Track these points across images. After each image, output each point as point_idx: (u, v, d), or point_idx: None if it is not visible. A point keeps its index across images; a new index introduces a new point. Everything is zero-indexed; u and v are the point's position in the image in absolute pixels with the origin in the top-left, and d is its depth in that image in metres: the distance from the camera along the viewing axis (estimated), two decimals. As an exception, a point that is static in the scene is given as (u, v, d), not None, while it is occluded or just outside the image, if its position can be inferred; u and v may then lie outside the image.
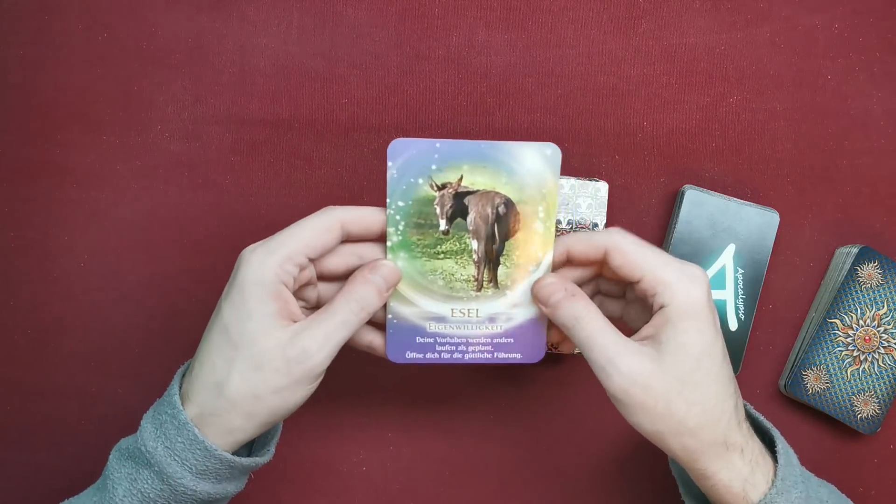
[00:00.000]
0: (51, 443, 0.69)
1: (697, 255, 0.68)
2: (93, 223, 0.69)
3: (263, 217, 0.70)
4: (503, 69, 0.70)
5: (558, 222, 0.67)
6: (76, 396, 0.69)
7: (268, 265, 0.50)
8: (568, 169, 0.71)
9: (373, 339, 0.56)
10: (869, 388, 0.68)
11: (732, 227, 0.68)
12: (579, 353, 0.67)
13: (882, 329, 0.68)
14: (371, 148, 0.70)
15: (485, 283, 0.55)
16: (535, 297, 0.55)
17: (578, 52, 0.71)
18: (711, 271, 0.68)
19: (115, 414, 0.69)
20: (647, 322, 0.52)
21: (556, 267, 0.55)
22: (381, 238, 0.54)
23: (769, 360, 0.71)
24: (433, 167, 0.53)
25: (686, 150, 0.71)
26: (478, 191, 0.53)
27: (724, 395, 0.51)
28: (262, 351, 0.50)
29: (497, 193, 0.54)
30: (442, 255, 0.54)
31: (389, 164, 0.53)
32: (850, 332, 0.68)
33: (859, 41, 0.71)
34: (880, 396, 0.68)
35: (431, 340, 0.56)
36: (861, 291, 0.68)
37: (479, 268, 0.55)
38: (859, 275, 0.68)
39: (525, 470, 0.70)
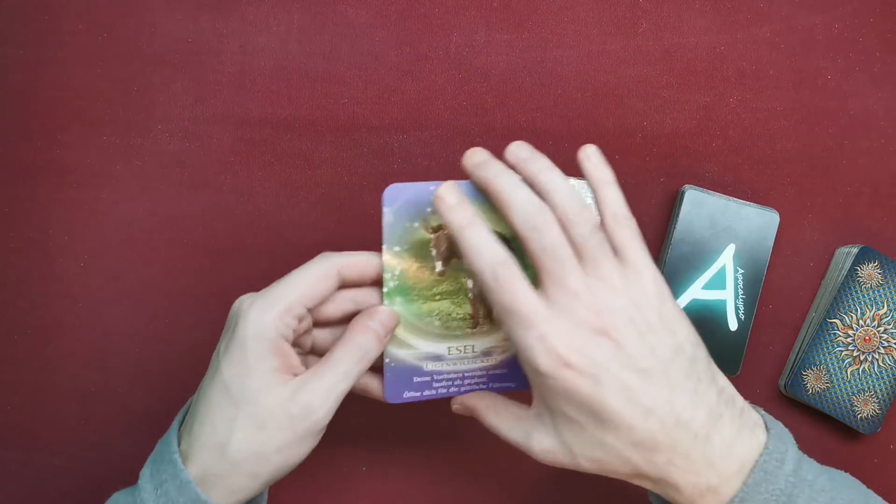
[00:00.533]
0: (51, 443, 0.69)
1: (697, 255, 0.68)
2: (93, 223, 0.69)
3: (263, 217, 0.70)
4: (503, 69, 0.70)
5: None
6: (76, 396, 0.69)
7: (267, 320, 0.49)
8: (568, 169, 0.71)
9: (367, 382, 0.55)
10: (869, 388, 0.68)
11: (732, 227, 0.68)
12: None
13: (882, 329, 0.68)
14: (371, 148, 0.70)
15: (480, 319, 0.55)
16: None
17: (578, 52, 0.71)
18: (711, 271, 0.68)
19: (115, 414, 0.69)
20: None
21: None
22: (376, 283, 0.54)
23: (769, 360, 0.71)
24: (428, 210, 0.53)
25: (686, 150, 0.71)
26: None
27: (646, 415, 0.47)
28: (265, 408, 0.48)
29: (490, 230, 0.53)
30: (438, 297, 0.54)
31: (385, 209, 0.52)
32: (850, 332, 0.68)
33: (859, 41, 0.71)
34: (880, 396, 0.68)
35: (428, 379, 0.55)
36: (861, 291, 0.68)
37: (475, 305, 0.55)
38: (859, 275, 0.68)
39: (526, 470, 0.70)
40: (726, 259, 0.68)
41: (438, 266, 0.54)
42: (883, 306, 0.68)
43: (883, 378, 0.68)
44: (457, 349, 0.55)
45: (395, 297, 0.53)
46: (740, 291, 0.69)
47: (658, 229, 0.71)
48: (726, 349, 0.68)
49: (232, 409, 0.49)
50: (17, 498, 0.69)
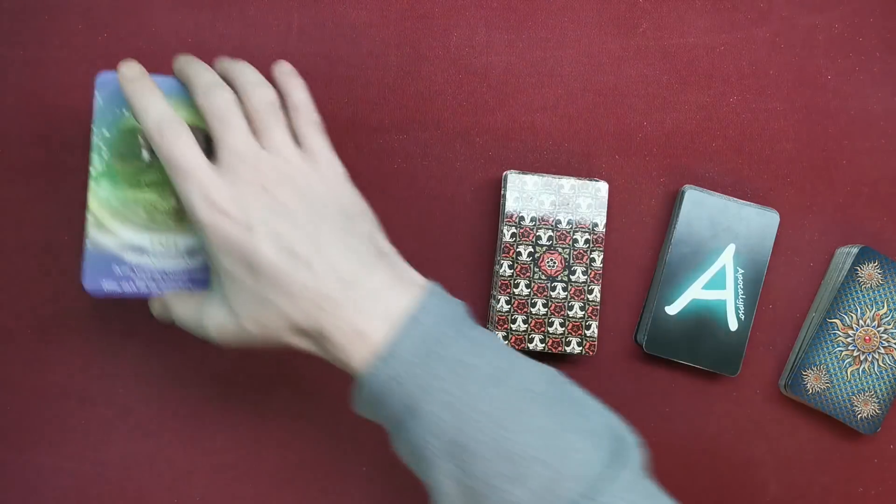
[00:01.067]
0: (51, 443, 0.69)
1: (697, 255, 0.68)
2: (93, 223, 0.69)
3: (263, 217, 0.70)
4: (503, 69, 0.70)
5: (558, 222, 0.67)
6: (76, 396, 0.69)
7: None
8: (568, 169, 0.71)
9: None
10: (869, 388, 0.68)
11: (732, 227, 0.68)
12: (579, 354, 0.67)
13: (882, 329, 0.68)
14: (371, 148, 0.70)
15: (186, 215, 0.56)
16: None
17: (578, 52, 0.71)
18: (711, 271, 0.68)
19: (115, 414, 0.69)
20: None
21: None
22: None
23: (769, 360, 0.71)
24: None
25: (686, 150, 0.71)
26: None
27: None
28: None
29: (197, 128, 0.55)
30: (145, 186, 0.56)
31: (96, 94, 0.55)
32: (850, 332, 0.68)
33: (859, 41, 0.71)
34: (880, 396, 0.68)
35: (129, 271, 0.56)
36: (861, 291, 0.68)
37: (180, 199, 0.56)
38: (859, 275, 0.68)
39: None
40: (726, 259, 0.68)
41: (145, 155, 0.55)
42: (883, 306, 0.68)
43: (883, 378, 0.68)
44: (160, 244, 0.56)
45: (102, 180, 0.55)
46: (740, 291, 0.69)
47: (658, 229, 0.71)
48: (726, 349, 0.69)
49: None
50: (17, 498, 0.69)
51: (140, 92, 0.52)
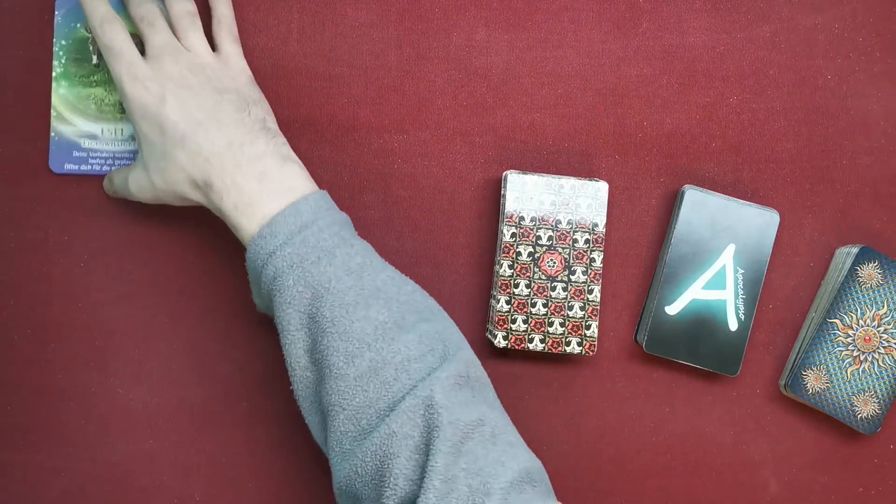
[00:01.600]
0: (51, 443, 0.69)
1: (697, 255, 0.68)
2: (93, 223, 0.69)
3: (263, 217, 0.70)
4: (503, 69, 0.70)
5: (558, 222, 0.67)
6: (76, 396, 0.69)
7: None
8: (568, 169, 0.71)
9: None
10: (869, 388, 0.68)
11: (732, 227, 0.68)
12: (579, 354, 0.67)
13: (882, 329, 0.68)
14: (371, 148, 0.70)
15: None
16: None
17: (578, 52, 0.71)
18: (711, 271, 0.68)
19: (115, 414, 0.69)
20: None
21: None
22: None
23: (769, 360, 0.71)
24: None
25: (686, 150, 0.71)
26: None
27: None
28: None
29: (136, 35, 0.65)
30: (94, 84, 0.69)
31: (56, 13, 0.68)
32: (850, 332, 0.68)
33: (859, 41, 0.71)
34: (880, 396, 0.68)
35: (85, 155, 0.69)
36: (861, 291, 0.68)
37: None
38: (859, 275, 0.68)
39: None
40: (726, 259, 0.68)
41: (94, 59, 0.69)
42: (883, 306, 0.68)
43: (883, 378, 0.68)
44: (109, 131, 0.69)
45: (61, 81, 0.69)
46: (740, 291, 0.69)
47: (658, 229, 0.71)
48: (726, 349, 0.69)
49: None
50: (17, 498, 0.69)
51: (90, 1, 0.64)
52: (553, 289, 0.67)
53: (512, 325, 0.67)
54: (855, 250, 0.68)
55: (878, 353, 0.68)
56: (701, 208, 0.68)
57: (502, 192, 0.68)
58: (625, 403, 0.70)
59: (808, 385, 0.69)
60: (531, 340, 0.67)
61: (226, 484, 0.69)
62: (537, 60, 0.71)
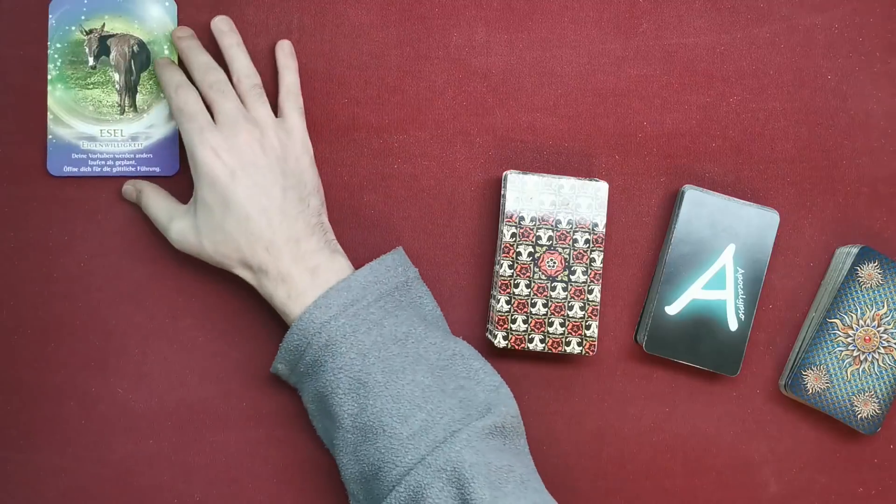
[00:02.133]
0: (51, 443, 0.69)
1: (697, 255, 0.68)
2: (93, 223, 0.69)
3: (263, 217, 0.70)
4: (503, 69, 0.70)
5: (558, 222, 0.67)
6: (76, 396, 0.69)
7: None
8: (568, 169, 0.71)
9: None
10: (869, 388, 0.68)
11: (732, 227, 0.68)
12: (579, 354, 0.67)
13: (882, 329, 0.68)
14: (371, 148, 0.70)
15: (126, 107, 0.69)
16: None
17: (578, 52, 0.71)
18: (711, 271, 0.68)
19: (115, 414, 0.69)
20: None
21: None
22: None
23: (769, 360, 0.71)
24: (83, 17, 0.68)
25: (686, 150, 0.71)
26: (117, 34, 0.69)
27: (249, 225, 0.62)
28: None
29: (131, 36, 0.69)
30: (91, 86, 0.69)
31: (50, 16, 0.68)
32: (850, 332, 0.68)
33: (859, 41, 0.71)
34: (880, 396, 0.68)
35: (84, 157, 0.69)
36: (861, 291, 0.68)
37: (121, 95, 0.69)
38: (859, 275, 0.68)
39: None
40: (726, 259, 0.68)
41: (90, 61, 0.69)
42: (883, 306, 0.68)
43: (883, 378, 0.68)
44: (108, 132, 0.69)
45: (57, 83, 0.69)
46: (740, 291, 0.69)
47: (658, 229, 0.71)
48: (726, 349, 0.69)
49: None
50: (17, 498, 0.69)
51: (165, 67, 0.66)
52: (553, 289, 0.67)
53: (512, 325, 0.67)
54: (855, 250, 0.68)
55: (878, 353, 0.68)
56: (701, 208, 0.68)
57: (502, 192, 0.68)
58: (625, 403, 0.70)
59: (809, 385, 0.69)
60: (531, 340, 0.67)
61: (226, 484, 0.69)
62: (537, 60, 0.71)
